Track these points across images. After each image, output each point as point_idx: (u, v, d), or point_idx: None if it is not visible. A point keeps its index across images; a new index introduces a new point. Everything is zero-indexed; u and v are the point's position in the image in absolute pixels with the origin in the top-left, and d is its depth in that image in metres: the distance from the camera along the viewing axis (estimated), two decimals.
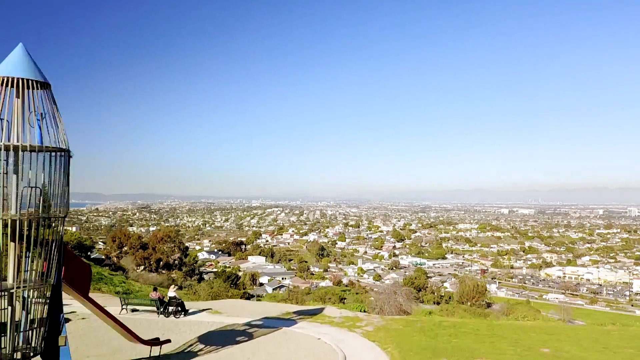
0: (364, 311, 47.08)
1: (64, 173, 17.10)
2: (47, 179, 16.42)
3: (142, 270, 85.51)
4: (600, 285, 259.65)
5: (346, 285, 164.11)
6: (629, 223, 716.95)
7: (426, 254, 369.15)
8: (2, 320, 15.64)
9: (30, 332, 16.38)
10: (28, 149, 16.11)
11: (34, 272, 16.72)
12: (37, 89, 16.66)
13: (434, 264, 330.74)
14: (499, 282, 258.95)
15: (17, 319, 16.10)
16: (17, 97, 16.26)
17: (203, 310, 39.79)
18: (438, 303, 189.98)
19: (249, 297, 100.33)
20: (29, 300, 16.47)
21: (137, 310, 37.21)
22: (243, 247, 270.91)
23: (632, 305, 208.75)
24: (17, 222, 15.56)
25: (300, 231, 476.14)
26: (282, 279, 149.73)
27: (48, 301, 16.86)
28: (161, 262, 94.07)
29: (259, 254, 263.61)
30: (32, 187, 16.06)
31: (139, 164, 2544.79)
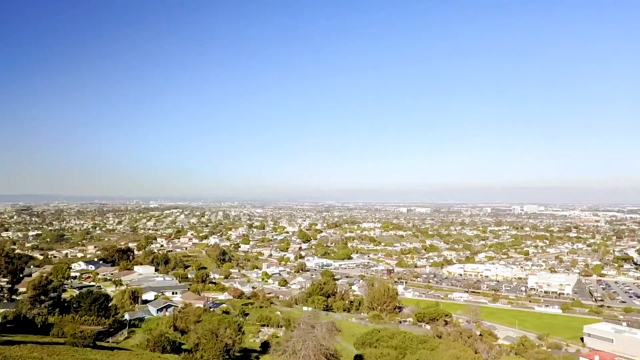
0: None
1: None
2: None
3: None
4: (499, 281, 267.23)
5: (248, 298, 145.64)
6: (514, 220, 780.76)
7: (332, 255, 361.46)
8: None
9: None
10: None
11: None
12: None
13: (340, 265, 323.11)
14: (405, 283, 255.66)
15: None
16: None
17: None
18: (348, 310, 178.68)
19: (116, 328, 78.20)
20: None
21: None
22: (131, 254, 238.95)
23: (529, 302, 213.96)
24: None
25: (200, 234, 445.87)
26: (173, 293, 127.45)
27: None
28: None
29: (151, 262, 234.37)
30: None
31: (20, 162, 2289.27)
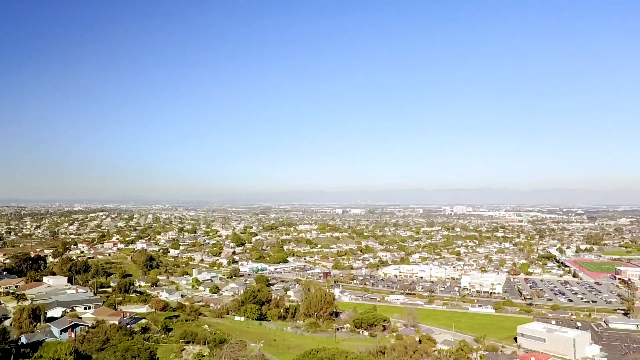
0: None
1: None
2: None
3: None
4: (433, 282, 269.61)
5: (174, 309, 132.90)
6: (445, 221, 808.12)
7: (267, 258, 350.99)
8: None
9: None
10: None
11: None
12: None
13: (275, 269, 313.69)
14: (342, 286, 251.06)
15: None
16: None
17: None
18: (284, 317, 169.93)
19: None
20: None
21: None
22: (42, 263, 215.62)
23: (464, 302, 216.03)
24: None
25: (127, 239, 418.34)
26: (86, 308, 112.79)
27: None
28: None
29: (69, 270, 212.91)
30: None
31: None
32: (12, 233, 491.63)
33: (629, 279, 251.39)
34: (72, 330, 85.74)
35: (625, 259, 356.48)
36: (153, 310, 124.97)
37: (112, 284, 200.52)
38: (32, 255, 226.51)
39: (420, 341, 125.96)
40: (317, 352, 64.71)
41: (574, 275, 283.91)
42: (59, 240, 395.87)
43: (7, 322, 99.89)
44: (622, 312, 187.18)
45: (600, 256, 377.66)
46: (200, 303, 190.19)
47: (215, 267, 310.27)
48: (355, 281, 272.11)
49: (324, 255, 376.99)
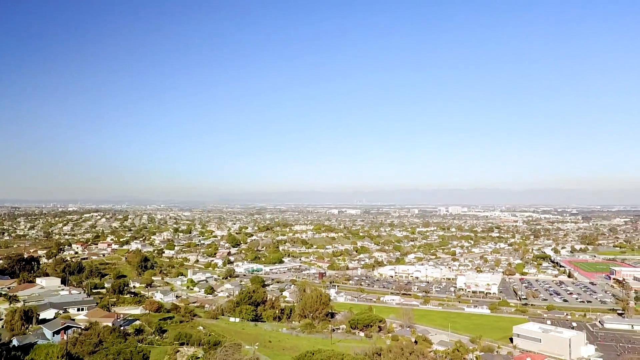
0: None
1: None
2: None
3: None
4: (429, 282, 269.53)
5: (168, 311, 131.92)
6: (440, 221, 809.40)
7: (263, 259, 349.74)
8: None
9: None
10: None
11: None
12: None
13: (271, 269, 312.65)
14: (337, 287, 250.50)
15: None
16: None
17: None
18: (279, 319, 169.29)
19: None
20: None
21: None
22: (35, 264, 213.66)
23: (459, 302, 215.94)
24: None
25: (121, 239, 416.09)
26: (79, 310, 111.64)
27: None
28: None
29: (62, 271, 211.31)
30: None
31: None
32: (6, 234, 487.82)
33: (624, 279, 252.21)
34: (65, 333, 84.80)
35: (620, 259, 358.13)
36: (147, 311, 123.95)
37: (106, 285, 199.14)
38: (26, 256, 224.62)
39: (416, 342, 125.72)
40: (313, 354, 64.04)
41: (569, 276, 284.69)
42: (53, 240, 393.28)
43: None
44: (617, 312, 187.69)
45: (594, 256, 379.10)
46: (195, 304, 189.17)
47: (210, 268, 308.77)
48: (350, 282, 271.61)
49: (320, 256, 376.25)
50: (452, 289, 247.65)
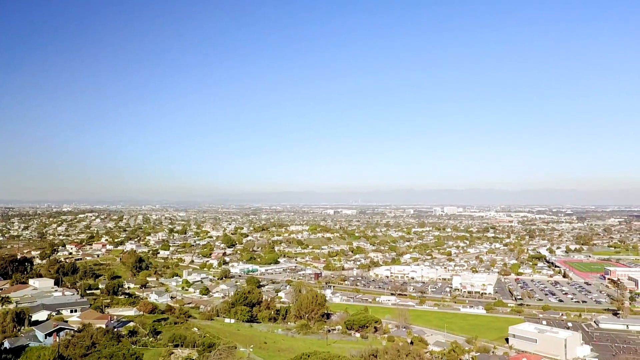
0: None
1: None
2: None
3: None
4: (424, 283, 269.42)
5: (163, 312, 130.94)
6: (436, 221, 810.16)
7: (258, 259, 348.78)
8: None
9: None
10: None
11: None
12: None
13: (266, 270, 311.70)
14: (333, 287, 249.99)
15: None
16: None
17: None
18: (275, 319, 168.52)
19: None
20: None
21: None
22: (29, 264, 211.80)
23: (455, 303, 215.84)
24: None
25: (116, 240, 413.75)
26: (72, 311, 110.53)
27: None
28: None
29: (56, 272, 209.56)
30: None
31: None
32: None
33: (619, 279, 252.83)
34: (57, 335, 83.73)
35: (614, 259, 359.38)
36: (141, 312, 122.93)
37: (100, 286, 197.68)
38: (19, 257, 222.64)
39: (412, 342, 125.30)
40: (308, 356, 63.42)
41: (564, 276, 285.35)
42: (47, 241, 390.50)
43: None
44: (612, 312, 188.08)
45: (589, 256, 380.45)
46: (190, 305, 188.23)
47: (205, 269, 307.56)
48: (346, 282, 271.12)
49: (315, 256, 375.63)
50: (448, 289, 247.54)
